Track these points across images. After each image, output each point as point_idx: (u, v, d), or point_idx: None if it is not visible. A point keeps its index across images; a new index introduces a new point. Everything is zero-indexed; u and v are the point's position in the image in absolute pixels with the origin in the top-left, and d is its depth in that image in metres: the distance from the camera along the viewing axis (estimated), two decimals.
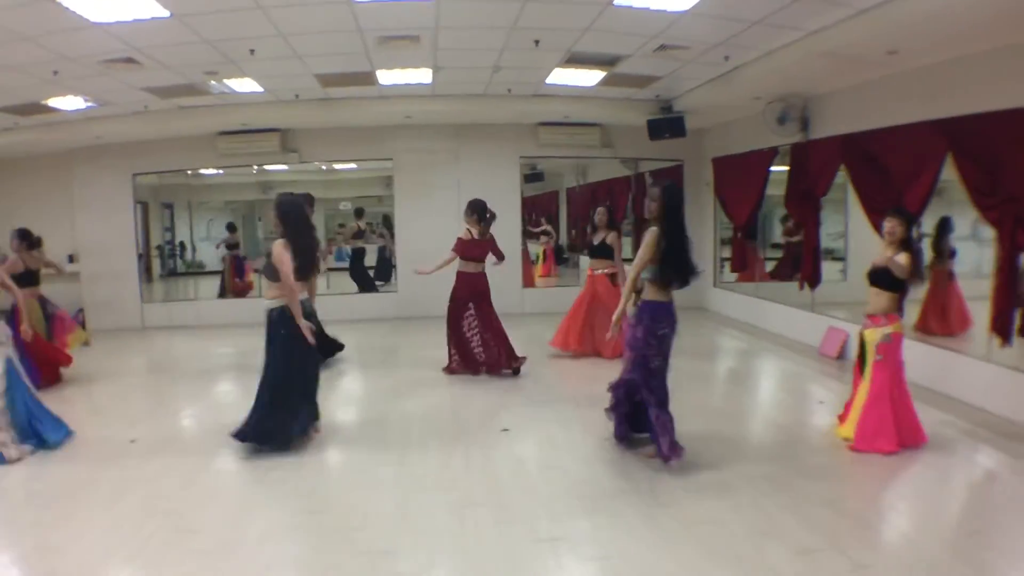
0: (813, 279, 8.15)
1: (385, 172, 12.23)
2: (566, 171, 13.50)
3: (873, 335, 4.92)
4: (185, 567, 3.48)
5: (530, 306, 10.91)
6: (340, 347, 7.84)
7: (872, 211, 7.11)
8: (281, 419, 5.09)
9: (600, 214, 7.82)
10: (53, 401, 6.30)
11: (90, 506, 4.21)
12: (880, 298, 4.91)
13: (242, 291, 11.66)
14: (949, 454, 4.83)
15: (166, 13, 5.61)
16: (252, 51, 6.76)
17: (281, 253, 4.93)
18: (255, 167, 11.23)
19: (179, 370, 8.10)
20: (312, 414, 5.39)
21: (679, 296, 9.63)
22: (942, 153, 6.09)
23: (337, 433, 5.51)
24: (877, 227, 6.95)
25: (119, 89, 7.90)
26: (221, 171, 11.55)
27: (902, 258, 4.73)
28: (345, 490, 4.48)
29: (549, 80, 8.46)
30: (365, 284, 11.90)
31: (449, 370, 7.18)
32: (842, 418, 5.18)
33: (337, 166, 12.19)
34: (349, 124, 10.16)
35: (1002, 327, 5.54)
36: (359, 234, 12.22)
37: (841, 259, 10.08)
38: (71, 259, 10.30)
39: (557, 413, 5.96)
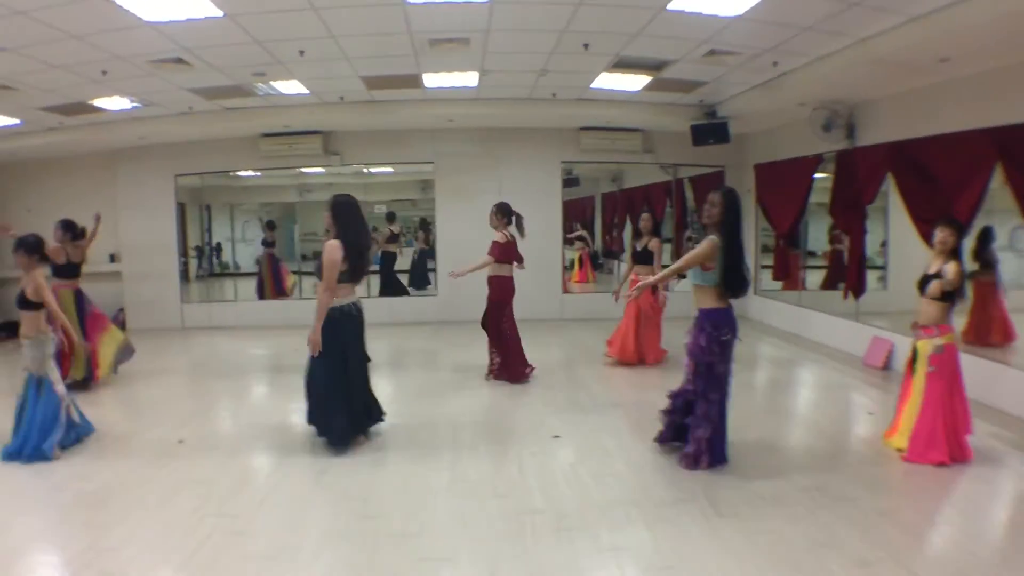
0: (858, 288, 8.00)
1: (420, 176, 12.26)
2: (601, 176, 13.41)
3: (925, 346, 4.87)
4: (241, 571, 3.46)
5: (570, 312, 10.83)
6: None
7: (920, 220, 6.98)
8: (335, 417, 5.11)
9: (645, 220, 7.77)
10: (98, 401, 6.40)
11: (142, 507, 4.21)
12: (931, 308, 4.85)
13: (281, 295, 11.71)
14: (999, 467, 4.76)
15: (220, 13, 5.61)
16: (302, 52, 6.75)
17: (331, 253, 4.91)
18: (298, 169, 11.24)
19: (222, 371, 8.12)
20: (368, 417, 5.39)
21: None
22: (992, 162, 5.98)
23: (386, 437, 5.47)
24: (925, 236, 6.90)
25: (166, 90, 7.95)
26: (259, 173, 11.61)
27: (950, 268, 4.70)
28: (399, 495, 4.42)
29: (594, 84, 8.38)
30: (395, 289, 11.86)
31: (494, 375, 7.13)
32: (891, 428, 5.11)
33: (374, 169, 12.14)
34: (391, 127, 10.18)
35: None
36: (393, 238, 12.21)
37: (881, 268, 9.92)
38: (112, 259, 10.43)
39: (605, 420, 5.91)
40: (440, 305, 10.71)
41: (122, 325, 9.63)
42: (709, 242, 4.51)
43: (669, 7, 5.76)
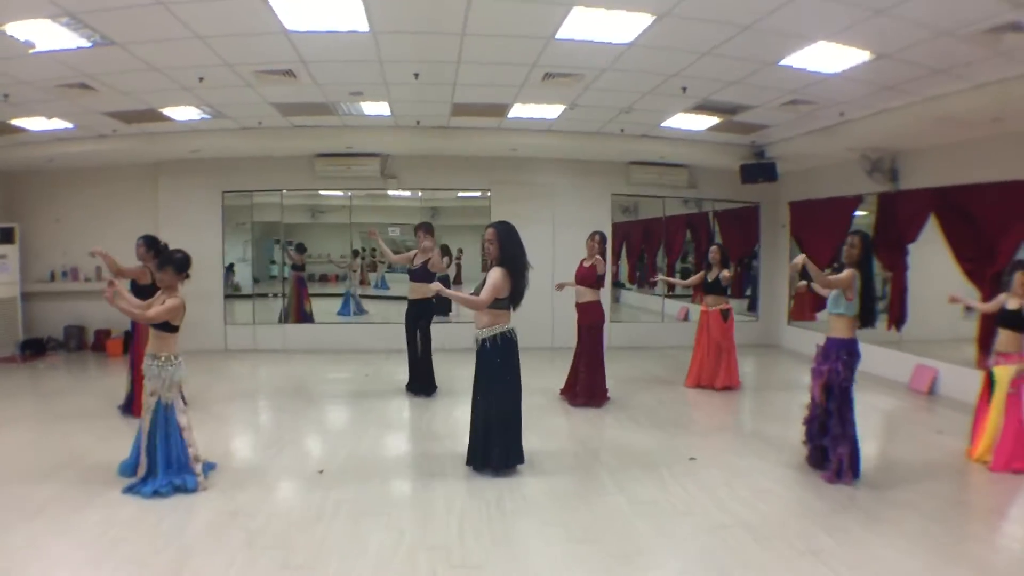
0: (900, 319, 8.68)
1: (433, 203, 12.38)
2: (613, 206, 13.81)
3: (1007, 371, 5.47)
4: None
5: (617, 341, 10.98)
6: (433, 388, 7.75)
7: (963, 259, 7.71)
8: (504, 444, 5.17)
9: (713, 252, 8.17)
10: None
11: (335, 544, 4.04)
12: (1012, 338, 5.49)
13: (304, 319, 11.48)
14: None
15: (366, 28, 5.59)
16: (416, 75, 6.77)
17: (499, 279, 4.99)
18: (349, 192, 11.14)
19: (298, 395, 7.90)
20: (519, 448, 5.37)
21: (753, 333, 9.44)
22: None
23: (532, 463, 5.46)
24: (968, 274, 7.62)
25: (249, 103, 7.76)
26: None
27: None
28: (595, 517, 4.49)
29: (665, 123, 8.74)
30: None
31: (581, 401, 7.28)
32: (972, 446, 5.68)
33: (391, 192, 12.06)
34: (453, 153, 10.23)
35: None
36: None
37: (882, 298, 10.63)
38: None
39: (723, 443, 6.26)
40: None
41: None
42: (849, 273, 5.05)
43: (780, 62, 6.20)
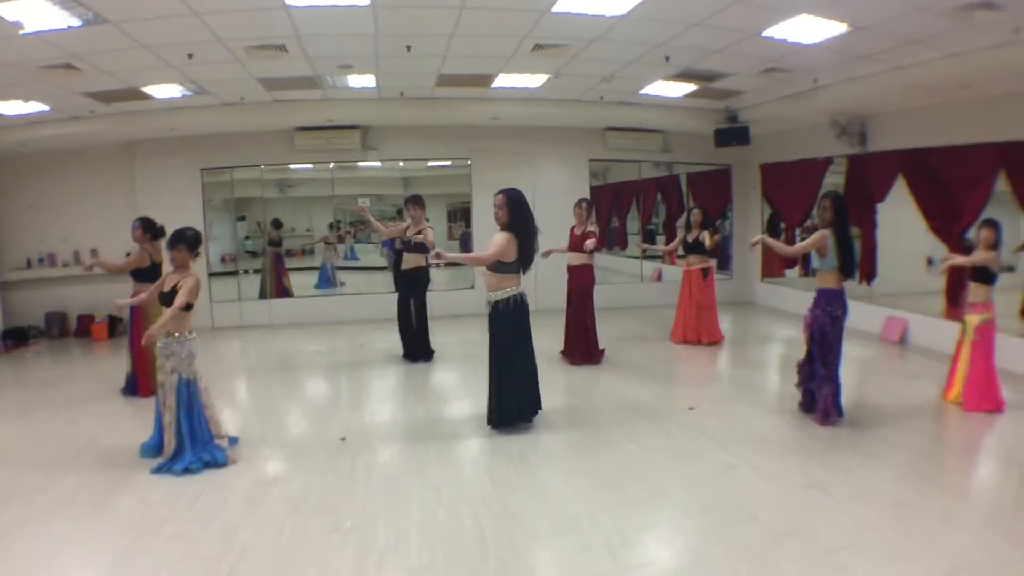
0: (870, 274, 9.16)
1: (404, 173, 12.37)
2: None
3: (974, 320, 5.91)
4: (553, 553, 3.64)
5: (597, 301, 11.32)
6: (430, 354, 7.96)
7: (930, 217, 8.15)
8: (516, 402, 5.42)
9: (696, 214, 8.54)
10: None
11: (381, 504, 4.17)
12: (981, 290, 5.92)
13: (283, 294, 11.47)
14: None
15: (366, 2, 5.59)
16: (408, 48, 6.79)
17: (504, 241, 5.18)
18: (332, 165, 11.10)
19: (293, 368, 8.01)
20: (535, 403, 5.63)
21: (729, 291, 9.95)
22: (997, 170, 7.21)
23: (547, 421, 5.69)
24: (935, 231, 8.07)
25: (235, 79, 7.64)
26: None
27: (994, 256, 5.82)
28: (614, 467, 4.75)
29: (644, 91, 8.92)
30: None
31: (580, 360, 7.56)
32: (947, 388, 6.13)
33: (361, 164, 12.03)
34: (435, 123, 10.24)
35: None
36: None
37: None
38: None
39: (717, 393, 6.68)
40: (478, 298, 10.76)
41: None
42: (820, 234, 5.42)
43: (763, 34, 6.41)
